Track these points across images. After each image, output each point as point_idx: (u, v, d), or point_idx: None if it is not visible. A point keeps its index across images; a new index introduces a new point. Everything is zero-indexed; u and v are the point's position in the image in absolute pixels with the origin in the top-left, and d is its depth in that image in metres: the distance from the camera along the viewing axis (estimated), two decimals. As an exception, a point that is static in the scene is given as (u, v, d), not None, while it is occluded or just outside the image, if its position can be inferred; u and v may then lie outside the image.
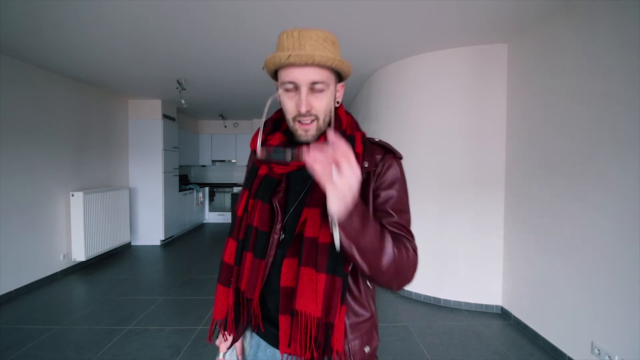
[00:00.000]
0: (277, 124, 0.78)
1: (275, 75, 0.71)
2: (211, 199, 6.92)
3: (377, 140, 0.74)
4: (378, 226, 0.60)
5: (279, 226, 0.69)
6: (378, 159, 0.70)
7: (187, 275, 3.60)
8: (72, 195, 3.64)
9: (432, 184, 2.83)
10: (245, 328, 0.75)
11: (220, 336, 0.79)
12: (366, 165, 0.68)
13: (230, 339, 0.76)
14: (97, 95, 4.12)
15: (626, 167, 1.60)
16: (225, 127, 6.95)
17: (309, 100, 0.64)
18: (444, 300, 2.82)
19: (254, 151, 0.76)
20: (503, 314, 2.63)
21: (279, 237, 0.69)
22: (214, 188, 6.92)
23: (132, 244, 4.89)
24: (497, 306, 2.68)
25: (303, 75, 0.63)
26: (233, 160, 7.07)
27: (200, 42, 2.63)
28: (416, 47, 2.73)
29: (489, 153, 2.65)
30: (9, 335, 2.30)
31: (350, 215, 0.52)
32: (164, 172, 4.97)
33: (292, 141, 0.72)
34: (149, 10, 2.11)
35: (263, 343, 0.75)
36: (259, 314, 0.70)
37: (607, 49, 1.70)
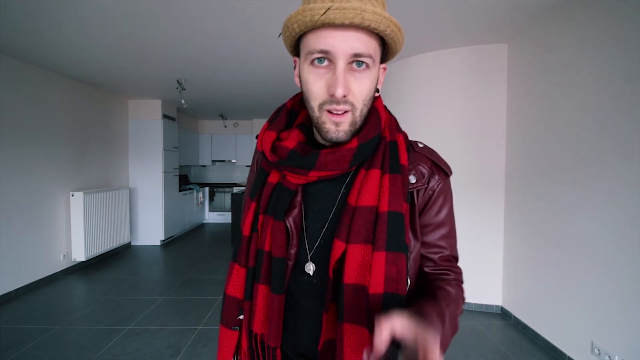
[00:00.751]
0: (292, 115, 0.60)
1: (296, 45, 0.52)
2: (211, 199, 6.92)
3: (420, 145, 0.60)
4: (451, 318, 0.50)
5: (293, 251, 0.55)
6: (426, 175, 0.56)
7: (187, 275, 3.60)
8: (72, 195, 3.63)
9: (432, 184, 2.82)
10: None
11: None
12: (413, 182, 0.55)
13: None
14: (97, 95, 4.12)
15: (625, 167, 1.60)
16: (225, 127, 6.95)
17: (348, 80, 0.47)
18: (444, 300, 2.82)
19: (261, 152, 0.59)
20: (503, 314, 2.63)
21: (294, 263, 0.56)
22: (214, 188, 6.92)
23: (132, 244, 4.89)
24: (497, 306, 2.68)
25: (343, 43, 0.45)
26: (233, 160, 7.07)
27: (200, 42, 2.63)
28: (416, 47, 2.73)
29: (489, 153, 2.65)
30: (9, 335, 2.30)
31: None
32: (164, 172, 4.97)
33: (313, 142, 0.57)
34: (149, 10, 2.11)
35: None
36: None
37: (608, 50, 1.70)
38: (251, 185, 0.63)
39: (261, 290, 0.56)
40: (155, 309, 2.74)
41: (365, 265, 0.49)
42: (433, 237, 0.57)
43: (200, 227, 6.49)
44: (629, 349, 1.58)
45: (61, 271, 3.54)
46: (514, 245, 2.50)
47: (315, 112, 0.50)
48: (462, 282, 0.60)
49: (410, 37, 2.53)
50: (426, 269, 0.59)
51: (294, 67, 0.55)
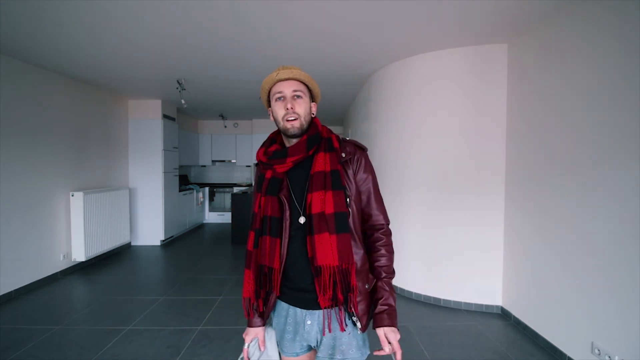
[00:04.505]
0: (274, 140, 1.03)
1: (268, 101, 0.98)
2: (211, 199, 6.92)
3: (347, 138, 1.00)
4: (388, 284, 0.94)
5: (287, 213, 0.90)
6: (351, 151, 0.96)
7: (187, 275, 3.60)
8: (72, 195, 3.64)
9: (432, 184, 2.83)
10: (271, 301, 0.96)
11: (246, 330, 1.01)
12: (343, 155, 0.94)
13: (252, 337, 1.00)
14: (97, 95, 4.13)
15: (626, 167, 1.60)
16: (225, 127, 6.95)
17: (293, 103, 0.91)
18: (444, 300, 2.82)
19: (258, 163, 1.00)
20: (503, 314, 2.63)
21: (290, 222, 0.90)
22: (214, 188, 6.92)
23: (132, 244, 4.90)
24: (497, 306, 2.68)
25: (287, 86, 0.91)
26: (233, 161, 7.07)
27: (201, 42, 2.63)
28: (416, 47, 2.73)
29: (489, 153, 2.65)
30: (9, 335, 2.30)
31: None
32: (164, 172, 4.97)
33: (284, 147, 0.97)
34: (149, 10, 2.11)
35: (286, 305, 0.96)
36: (279, 279, 0.89)
37: (607, 49, 1.70)
38: (256, 186, 1.01)
39: (266, 239, 0.90)
40: (155, 309, 2.74)
41: (322, 201, 0.86)
42: (364, 183, 0.96)
43: (200, 227, 6.49)
44: (629, 349, 1.58)
45: (61, 271, 3.54)
46: (514, 246, 2.50)
47: (281, 124, 0.93)
48: (387, 230, 0.98)
49: (410, 37, 2.53)
50: (364, 216, 0.97)
51: (269, 114, 0.99)
